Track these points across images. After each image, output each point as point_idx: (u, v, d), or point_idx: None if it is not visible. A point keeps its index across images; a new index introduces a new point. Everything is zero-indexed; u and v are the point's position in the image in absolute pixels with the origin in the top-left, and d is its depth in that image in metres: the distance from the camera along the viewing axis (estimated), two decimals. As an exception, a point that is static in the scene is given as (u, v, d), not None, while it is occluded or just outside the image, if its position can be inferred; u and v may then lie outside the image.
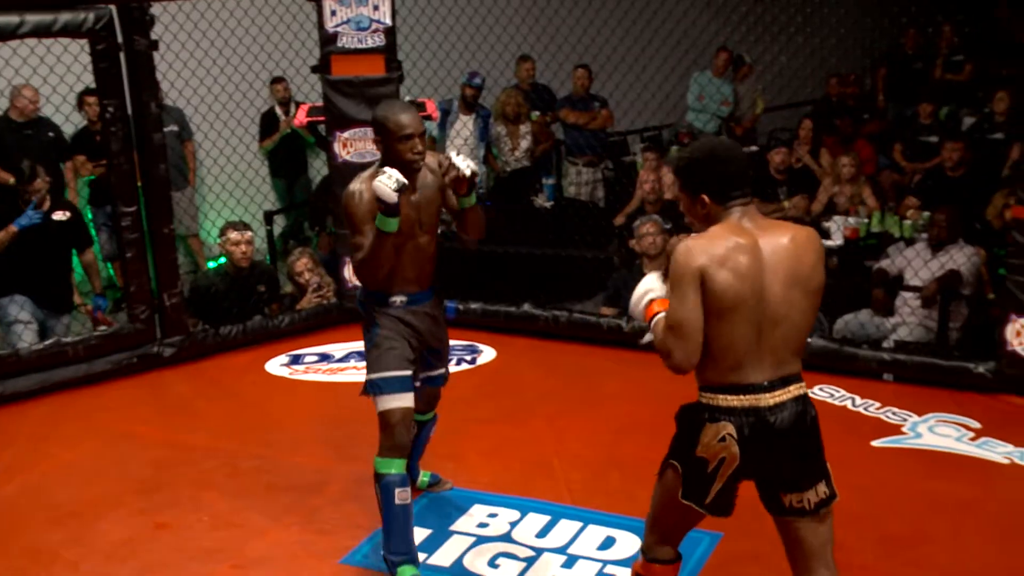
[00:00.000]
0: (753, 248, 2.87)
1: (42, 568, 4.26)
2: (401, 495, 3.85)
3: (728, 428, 2.94)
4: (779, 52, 9.52)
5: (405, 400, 3.91)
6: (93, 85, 6.25)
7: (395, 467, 3.85)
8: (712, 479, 2.99)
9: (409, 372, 3.95)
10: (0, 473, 5.07)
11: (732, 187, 2.96)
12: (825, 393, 5.71)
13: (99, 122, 6.39)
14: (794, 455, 3.00)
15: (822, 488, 3.08)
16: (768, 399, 2.94)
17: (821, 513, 3.11)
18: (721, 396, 2.96)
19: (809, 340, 6.01)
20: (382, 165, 3.80)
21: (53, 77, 6.47)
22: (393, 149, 3.80)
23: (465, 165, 3.81)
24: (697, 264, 2.83)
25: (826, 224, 7.36)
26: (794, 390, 2.98)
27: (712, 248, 2.85)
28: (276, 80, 8.43)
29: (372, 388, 3.92)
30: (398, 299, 3.95)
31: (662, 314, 3.01)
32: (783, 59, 9.48)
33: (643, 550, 3.33)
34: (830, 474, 3.12)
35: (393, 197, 3.63)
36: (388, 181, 3.63)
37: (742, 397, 2.94)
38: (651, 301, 3.10)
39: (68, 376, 6.05)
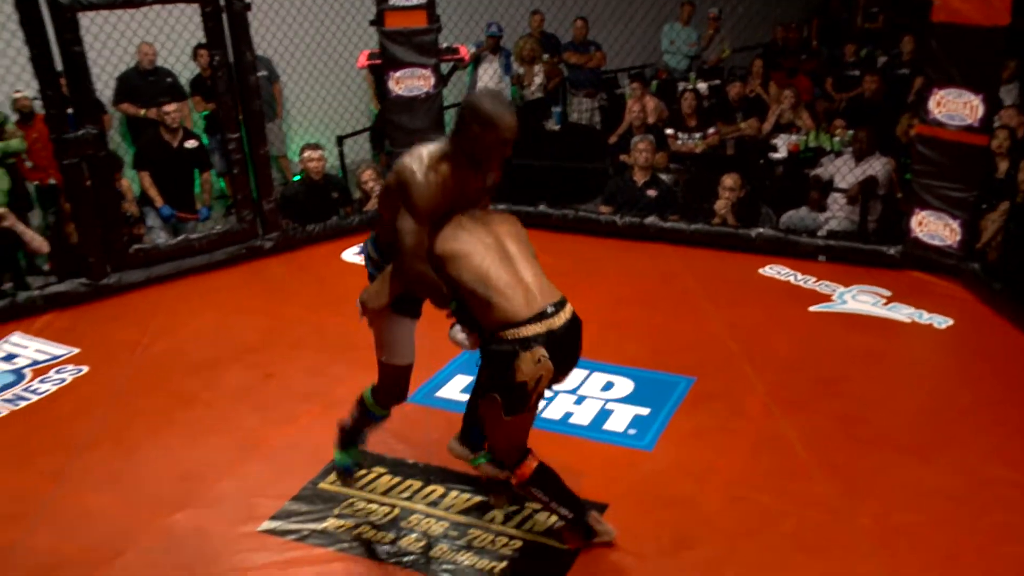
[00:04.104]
0: None
1: (186, 405, 4.37)
2: (370, 429, 3.53)
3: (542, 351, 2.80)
4: (736, 4, 9.31)
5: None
6: (204, 40, 6.17)
7: (380, 412, 3.43)
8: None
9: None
10: (150, 336, 5.15)
11: None
12: (774, 271, 5.72)
13: (209, 69, 6.33)
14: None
15: None
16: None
17: None
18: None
19: (761, 230, 6.03)
20: (455, 147, 2.90)
21: (174, 34, 6.39)
22: (488, 147, 2.84)
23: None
24: None
25: (774, 140, 7.27)
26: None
27: None
28: None
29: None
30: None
31: None
32: (740, 10, 9.26)
33: (510, 465, 3.11)
34: None
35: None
36: (463, 341, 2.98)
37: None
38: None
39: (195, 264, 6.09)
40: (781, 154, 7.09)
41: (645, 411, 4.10)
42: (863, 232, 6.08)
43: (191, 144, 6.60)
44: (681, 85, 8.57)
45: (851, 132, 6.75)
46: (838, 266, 5.73)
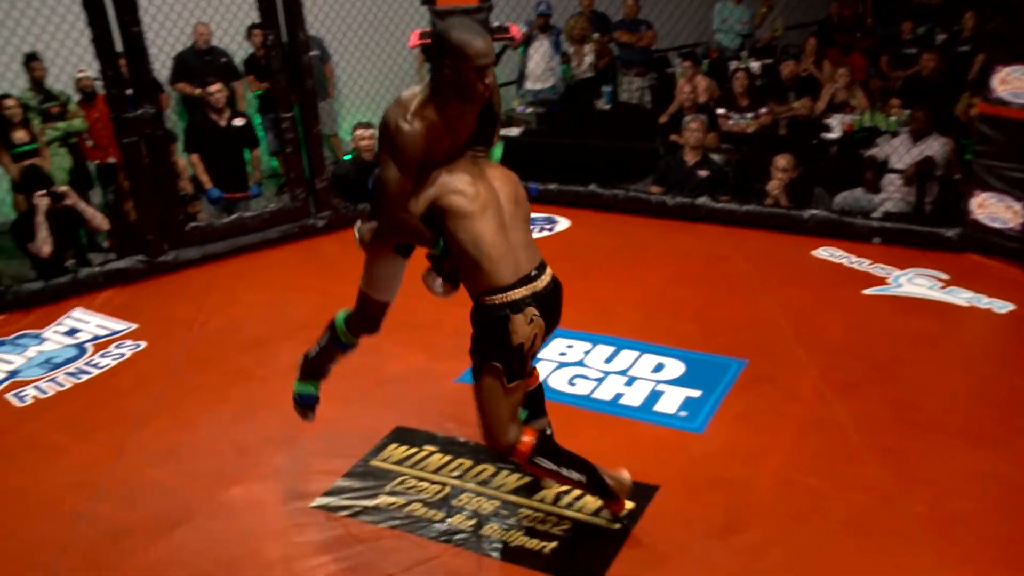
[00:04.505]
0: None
1: (242, 381, 4.42)
2: (339, 356, 3.50)
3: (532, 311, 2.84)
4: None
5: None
6: (258, 20, 6.21)
7: (349, 340, 3.43)
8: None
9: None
10: (206, 312, 5.22)
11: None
12: (827, 253, 5.59)
13: (263, 49, 6.37)
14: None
15: None
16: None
17: None
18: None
19: (814, 211, 5.91)
20: (436, 86, 2.78)
21: (229, 15, 6.43)
22: (465, 78, 2.71)
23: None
24: None
25: (827, 120, 7.12)
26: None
27: None
28: None
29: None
30: None
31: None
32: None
33: (508, 444, 3.00)
34: None
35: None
36: (437, 288, 3.00)
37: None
38: None
39: (249, 242, 6.16)
40: (835, 134, 6.95)
41: (696, 393, 4.06)
42: (920, 214, 5.94)
43: (239, 122, 6.65)
44: (733, 64, 8.44)
45: (907, 111, 6.59)
46: (893, 248, 5.59)
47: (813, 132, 7.05)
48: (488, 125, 3.00)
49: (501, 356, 2.87)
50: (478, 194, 2.86)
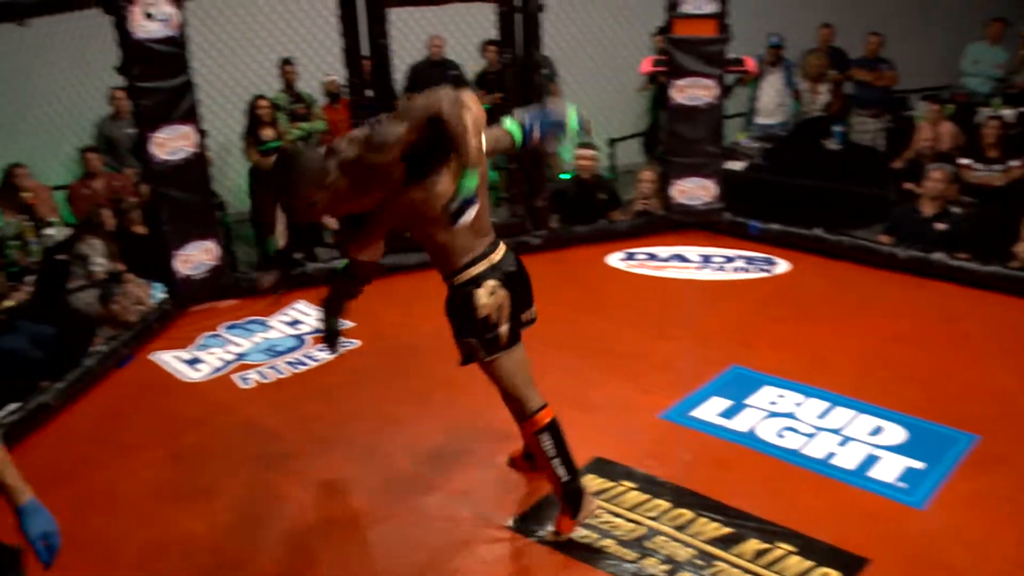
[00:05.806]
0: None
1: (445, 389, 4.40)
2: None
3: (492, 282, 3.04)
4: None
5: None
6: (492, 36, 6.32)
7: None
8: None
9: None
10: (417, 318, 5.26)
11: None
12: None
13: (497, 65, 6.49)
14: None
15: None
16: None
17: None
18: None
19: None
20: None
21: (469, 30, 6.61)
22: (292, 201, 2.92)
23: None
24: None
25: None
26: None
27: None
28: None
29: None
30: None
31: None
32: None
33: (522, 412, 3.21)
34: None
35: None
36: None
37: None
38: None
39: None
40: (1094, 196, 6.26)
41: (919, 464, 3.72)
42: None
43: None
44: (984, 111, 7.81)
45: None
46: None
47: (1073, 192, 6.39)
48: (440, 153, 2.97)
49: (472, 331, 3.07)
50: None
